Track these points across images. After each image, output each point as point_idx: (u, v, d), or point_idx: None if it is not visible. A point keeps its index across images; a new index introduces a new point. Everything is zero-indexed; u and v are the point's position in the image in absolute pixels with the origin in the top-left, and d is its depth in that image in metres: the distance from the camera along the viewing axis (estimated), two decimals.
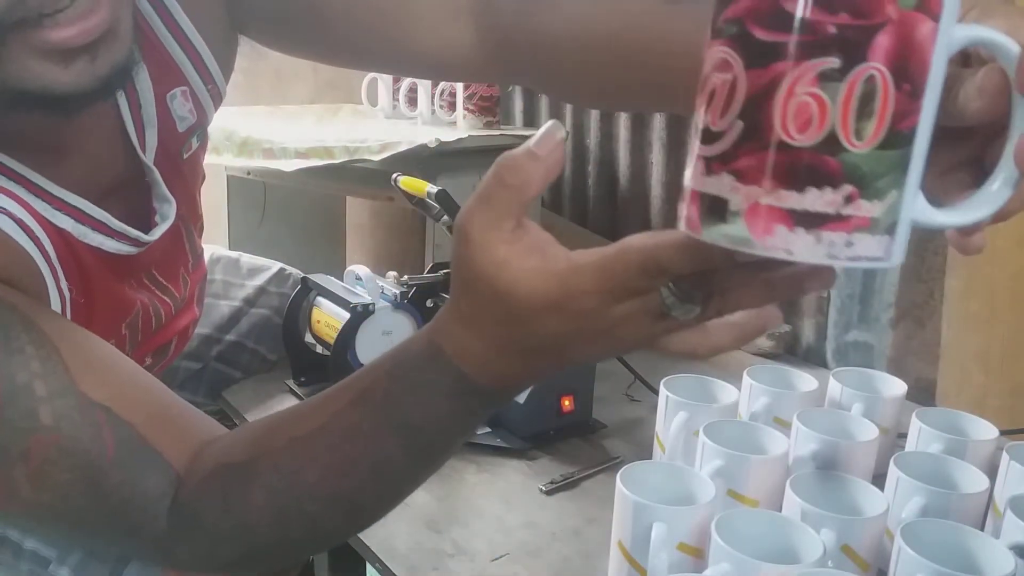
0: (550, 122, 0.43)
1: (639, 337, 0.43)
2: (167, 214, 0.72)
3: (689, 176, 0.37)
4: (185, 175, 0.77)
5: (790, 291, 0.40)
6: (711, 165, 0.35)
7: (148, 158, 0.71)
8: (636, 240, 0.40)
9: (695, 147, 0.36)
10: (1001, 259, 1.00)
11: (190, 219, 0.81)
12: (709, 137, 0.35)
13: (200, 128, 0.76)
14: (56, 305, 0.63)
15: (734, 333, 0.43)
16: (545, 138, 0.42)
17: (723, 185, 0.35)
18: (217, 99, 0.78)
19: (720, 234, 0.35)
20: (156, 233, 0.71)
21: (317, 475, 0.52)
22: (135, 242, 0.69)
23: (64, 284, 0.64)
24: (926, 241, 1.07)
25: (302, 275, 1.06)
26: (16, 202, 0.60)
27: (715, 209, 0.35)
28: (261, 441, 0.55)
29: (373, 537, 0.75)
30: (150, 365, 0.82)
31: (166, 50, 0.70)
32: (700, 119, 0.36)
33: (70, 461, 0.53)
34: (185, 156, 0.76)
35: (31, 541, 0.69)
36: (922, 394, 1.08)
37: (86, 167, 0.66)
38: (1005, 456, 0.71)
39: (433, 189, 1.00)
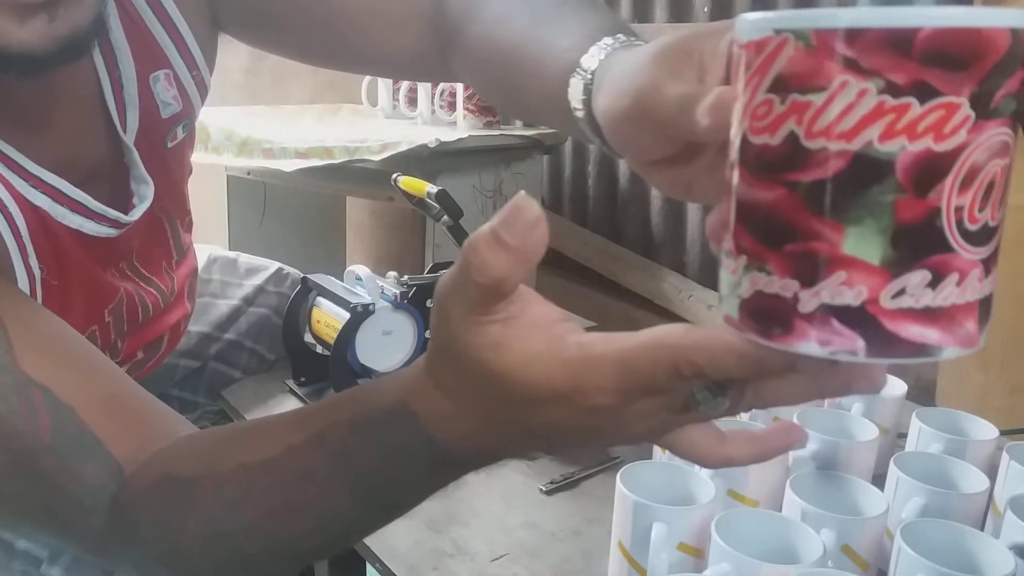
0: (518, 194, 0.36)
1: (652, 433, 0.38)
2: (145, 195, 0.72)
3: (955, 292, 0.30)
4: (170, 164, 0.77)
5: (838, 390, 0.36)
6: (989, 265, 0.31)
7: (128, 139, 0.70)
8: (670, 336, 0.34)
9: (965, 254, 0.30)
10: (1001, 260, 1.00)
11: (175, 212, 0.81)
12: (985, 235, 0.30)
13: (186, 119, 0.76)
14: (23, 282, 0.62)
15: (753, 448, 0.38)
16: (513, 219, 0.35)
17: (994, 281, 0.32)
18: (202, 89, 0.77)
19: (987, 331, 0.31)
20: (135, 214, 0.71)
21: (259, 514, 0.49)
22: (115, 223, 0.69)
23: (34, 262, 0.63)
24: None
25: (301, 275, 1.06)
26: None
27: (987, 309, 0.32)
28: (210, 458, 0.52)
29: (373, 537, 0.74)
30: (142, 360, 0.82)
31: (149, 31, 0.70)
32: (970, 218, 0.30)
33: (4, 443, 0.51)
34: (169, 145, 0.75)
35: (23, 541, 0.69)
36: (922, 394, 1.08)
37: (66, 146, 0.66)
38: (1005, 456, 0.71)
39: (433, 189, 1.00)
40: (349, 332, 0.93)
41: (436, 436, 0.42)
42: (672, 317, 1.30)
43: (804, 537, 0.60)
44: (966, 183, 0.29)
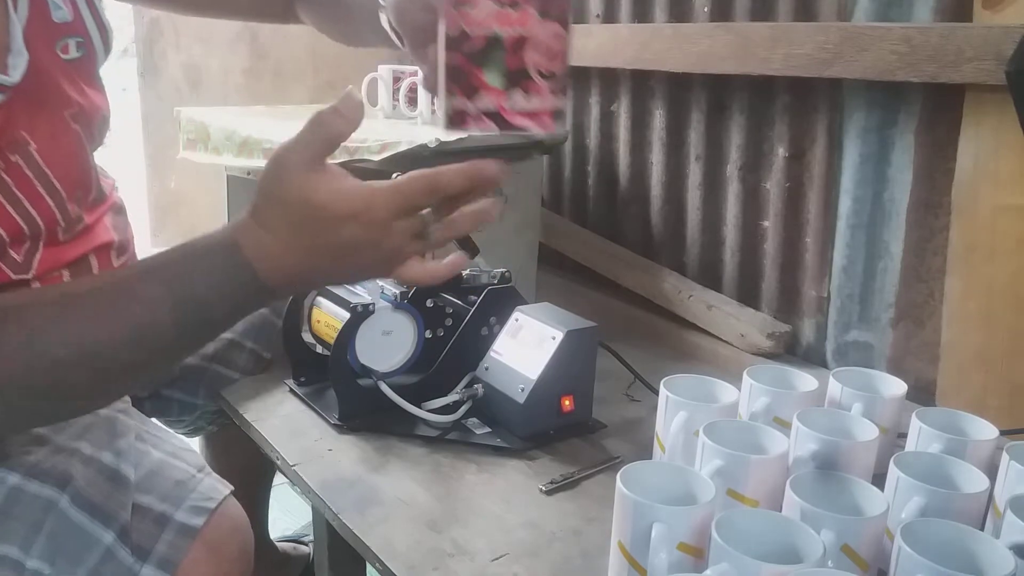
0: (348, 87, 0.61)
1: (398, 250, 0.60)
2: (18, 64, 0.73)
3: (538, 102, 0.67)
4: (72, 77, 0.80)
5: (487, 177, 0.62)
6: (556, 91, 0.67)
7: (16, 17, 0.72)
8: (422, 171, 0.59)
9: (541, 82, 0.66)
10: (1001, 259, 1.00)
11: (91, 132, 0.83)
12: (552, 76, 0.67)
13: (78, 35, 0.80)
14: None
15: (448, 267, 0.64)
16: (346, 100, 0.59)
17: (563, 101, 0.68)
18: (96, 16, 0.82)
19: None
20: (14, 74, 0.71)
21: (78, 325, 0.58)
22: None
23: None
24: (926, 241, 1.07)
25: None
26: None
27: (560, 115, 0.68)
28: (34, 293, 0.63)
29: (373, 536, 0.75)
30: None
31: None
32: (541, 65, 0.66)
33: None
34: (63, 56, 0.78)
35: (33, 560, 0.68)
36: (922, 394, 1.08)
37: None
38: (1005, 456, 0.71)
39: None
40: (349, 332, 0.93)
41: (256, 264, 0.58)
42: (672, 317, 1.30)
43: (804, 537, 0.60)
44: (537, 47, 0.65)
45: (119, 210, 0.93)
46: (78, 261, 0.82)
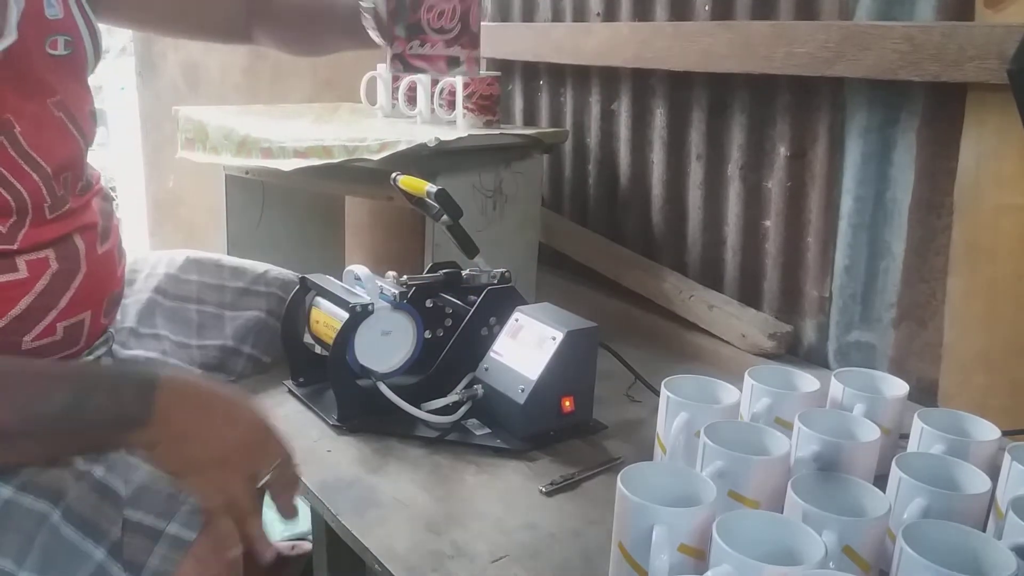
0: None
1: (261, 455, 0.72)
2: (3, 43, 0.74)
3: (431, 49, 1.02)
4: (57, 71, 0.81)
5: None
6: (451, 42, 1.00)
7: (16, 5, 0.74)
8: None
9: (434, 35, 1.02)
10: (1003, 259, 1.00)
11: (76, 122, 0.85)
12: (445, 30, 1.00)
13: (67, 34, 0.82)
14: None
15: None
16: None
17: (459, 51, 1.05)
18: (87, 20, 0.85)
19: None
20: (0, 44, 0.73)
21: None
22: None
23: None
24: (928, 241, 1.07)
25: (297, 275, 1.05)
26: None
27: (455, 61, 1.06)
28: None
29: (373, 538, 0.74)
30: (61, 272, 0.81)
31: None
32: (434, 21, 1.00)
33: None
34: (50, 52, 0.80)
35: (25, 573, 0.68)
36: (924, 395, 1.08)
37: None
38: (1007, 457, 0.71)
39: (432, 188, 0.99)
40: (348, 332, 0.93)
41: (159, 393, 0.67)
42: (672, 317, 1.30)
43: (806, 538, 0.60)
44: (430, 8, 1.02)
45: (106, 197, 0.94)
46: (63, 239, 0.81)
